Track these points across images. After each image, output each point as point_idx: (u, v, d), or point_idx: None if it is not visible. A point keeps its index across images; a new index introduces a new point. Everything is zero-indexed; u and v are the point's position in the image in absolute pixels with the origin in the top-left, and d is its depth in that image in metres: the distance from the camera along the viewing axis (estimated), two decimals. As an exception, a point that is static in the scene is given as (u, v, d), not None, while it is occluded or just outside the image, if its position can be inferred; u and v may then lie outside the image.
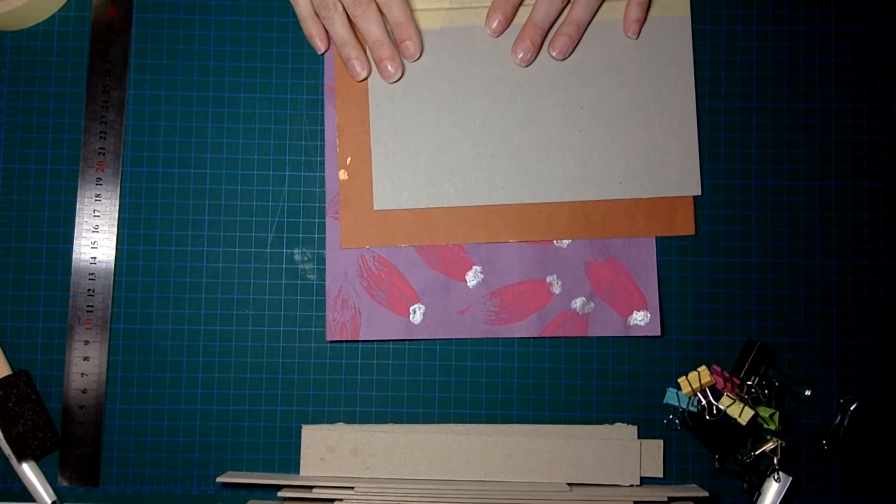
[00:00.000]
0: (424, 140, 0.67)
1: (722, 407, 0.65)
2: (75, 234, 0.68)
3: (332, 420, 0.68)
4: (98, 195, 0.68)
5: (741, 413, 0.64)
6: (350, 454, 0.67)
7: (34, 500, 0.66)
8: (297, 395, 0.68)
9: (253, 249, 0.68)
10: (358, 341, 0.68)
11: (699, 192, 0.68)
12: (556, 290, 0.68)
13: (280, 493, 0.64)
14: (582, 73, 0.68)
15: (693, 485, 0.67)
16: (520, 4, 0.67)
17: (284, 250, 0.68)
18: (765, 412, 0.65)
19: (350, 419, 0.68)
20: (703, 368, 0.66)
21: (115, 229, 0.68)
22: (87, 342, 0.67)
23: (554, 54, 0.67)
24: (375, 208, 0.67)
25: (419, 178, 0.67)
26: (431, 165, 0.67)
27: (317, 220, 0.69)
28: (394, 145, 0.67)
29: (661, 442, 0.68)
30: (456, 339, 0.68)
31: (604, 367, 0.68)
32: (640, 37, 0.68)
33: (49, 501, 0.66)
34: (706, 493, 0.65)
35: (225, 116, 0.69)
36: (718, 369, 0.67)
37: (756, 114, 0.70)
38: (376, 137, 0.67)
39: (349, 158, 0.68)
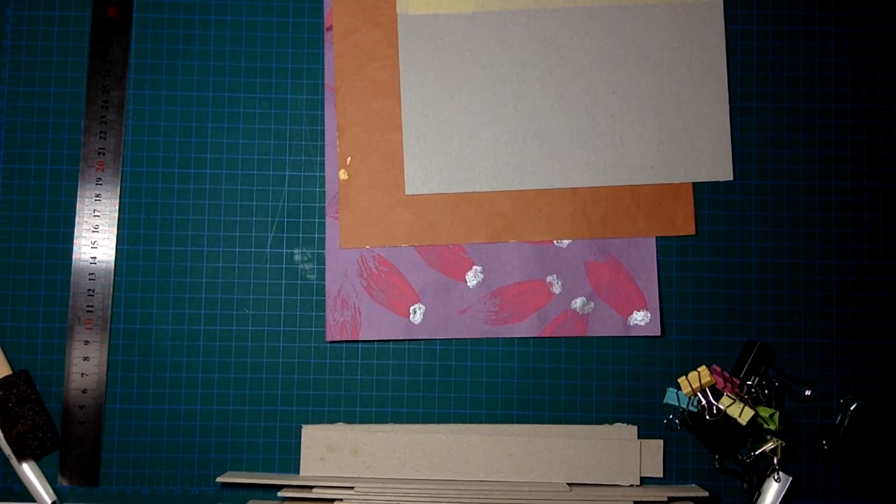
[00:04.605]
0: (456, 125, 0.68)
1: (722, 407, 0.65)
2: (75, 234, 0.68)
3: (332, 420, 0.68)
4: (98, 195, 0.68)
5: (741, 413, 0.64)
6: (350, 454, 0.67)
7: (34, 500, 0.66)
8: (297, 395, 0.68)
9: (253, 249, 0.68)
10: (358, 341, 0.68)
11: (731, 177, 0.68)
12: (556, 290, 0.68)
13: (280, 493, 0.64)
14: (613, 59, 0.68)
15: (693, 485, 0.67)
16: None
17: (284, 250, 0.68)
18: (765, 412, 0.65)
19: (350, 419, 0.68)
20: (703, 368, 0.66)
21: (115, 229, 0.68)
22: (87, 342, 0.67)
23: None
24: (407, 193, 0.67)
25: (451, 162, 0.67)
26: (463, 150, 0.68)
27: (317, 220, 0.69)
28: (425, 130, 0.67)
29: (661, 442, 0.68)
30: (456, 339, 0.68)
31: (604, 367, 0.68)
32: (672, 22, 0.68)
33: (49, 501, 0.66)
34: (706, 493, 0.65)
35: (225, 116, 0.69)
36: (718, 369, 0.67)
37: (756, 114, 0.70)
38: (407, 122, 0.67)
39: (349, 158, 0.68)
